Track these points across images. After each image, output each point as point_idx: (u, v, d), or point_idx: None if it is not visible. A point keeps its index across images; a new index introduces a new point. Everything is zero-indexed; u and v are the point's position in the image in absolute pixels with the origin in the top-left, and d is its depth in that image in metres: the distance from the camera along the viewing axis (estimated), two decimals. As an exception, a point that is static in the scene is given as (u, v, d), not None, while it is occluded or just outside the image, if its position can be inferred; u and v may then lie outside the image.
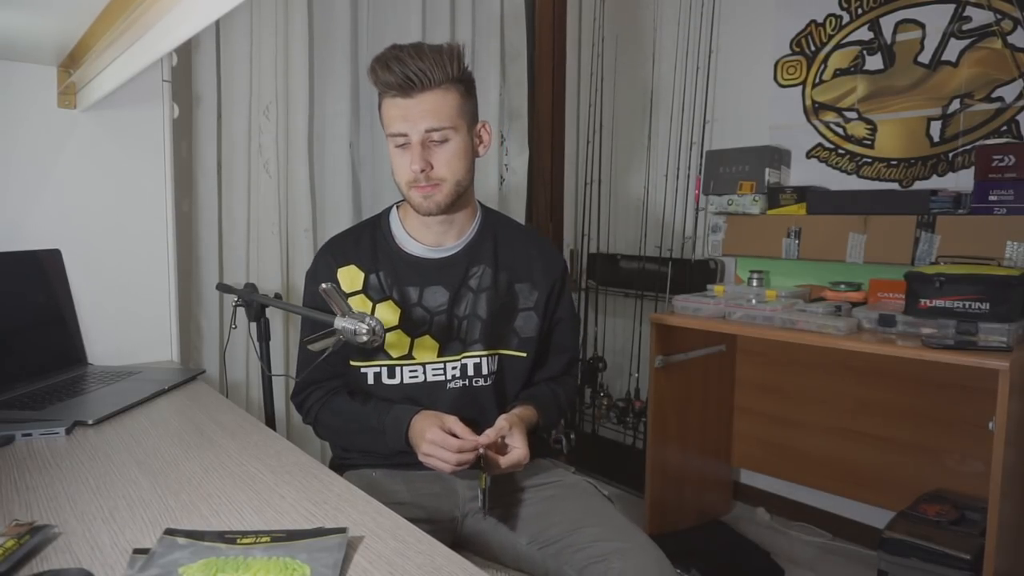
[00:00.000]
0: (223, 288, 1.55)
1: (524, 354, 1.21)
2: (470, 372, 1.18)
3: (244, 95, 1.89)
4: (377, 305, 1.17)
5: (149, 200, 1.55)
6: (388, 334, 1.16)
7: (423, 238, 1.20)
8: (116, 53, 1.07)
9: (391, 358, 1.17)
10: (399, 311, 1.17)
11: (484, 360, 1.18)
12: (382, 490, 1.12)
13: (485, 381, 1.18)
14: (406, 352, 1.17)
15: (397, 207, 1.26)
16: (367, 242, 1.22)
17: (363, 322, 1.03)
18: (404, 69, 1.05)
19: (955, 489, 1.87)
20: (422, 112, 1.07)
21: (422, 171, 1.08)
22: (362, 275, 1.18)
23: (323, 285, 1.07)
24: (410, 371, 1.17)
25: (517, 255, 1.23)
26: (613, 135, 2.73)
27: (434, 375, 1.17)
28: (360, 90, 2.15)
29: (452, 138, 1.10)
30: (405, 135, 1.08)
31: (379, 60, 1.08)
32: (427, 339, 1.17)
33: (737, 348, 2.34)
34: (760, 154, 2.19)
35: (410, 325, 1.17)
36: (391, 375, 1.17)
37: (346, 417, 1.18)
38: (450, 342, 1.18)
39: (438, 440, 1.03)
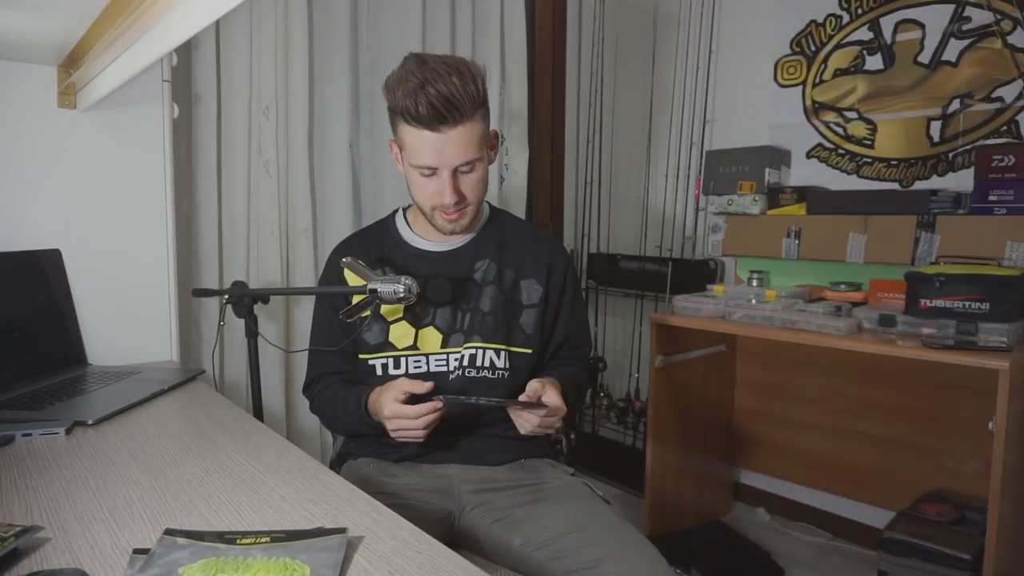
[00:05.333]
0: (200, 292, 1.55)
1: (529, 350, 1.22)
2: (477, 363, 1.18)
3: (244, 95, 1.90)
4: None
5: (149, 200, 1.55)
6: (393, 325, 1.19)
7: (429, 235, 1.23)
8: (116, 53, 1.07)
9: (397, 349, 1.19)
10: (401, 305, 1.18)
11: (490, 354, 1.18)
12: (377, 482, 1.13)
13: (493, 375, 1.19)
14: (411, 343, 1.19)
15: (404, 209, 1.30)
16: (373, 240, 1.27)
17: (399, 282, 1.10)
18: (433, 102, 1.02)
19: (955, 489, 1.87)
20: (454, 149, 1.07)
21: (456, 203, 1.11)
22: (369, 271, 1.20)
23: (344, 259, 1.18)
24: (414, 361, 1.18)
25: (523, 252, 1.25)
26: (613, 135, 2.73)
27: (437, 366, 1.19)
28: (360, 90, 2.15)
29: (478, 166, 1.12)
30: (435, 168, 1.09)
31: (402, 85, 1.05)
32: (431, 330, 1.19)
33: (737, 348, 2.34)
34: (760, 154, 2.19)
35: (414, 316, 1.19)
36: (396, 366, 1.19)
37: (335, 403, 1.20)
38: (453, 333, 1.19)
39: (396, 413, 1.05)
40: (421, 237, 1.24)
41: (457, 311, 1.20)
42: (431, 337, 1.19)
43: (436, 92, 1.02)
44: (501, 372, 1.19)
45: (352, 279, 1.23)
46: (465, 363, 1.18)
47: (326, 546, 0.67)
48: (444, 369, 1.19)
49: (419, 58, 1.07)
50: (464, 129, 1.06)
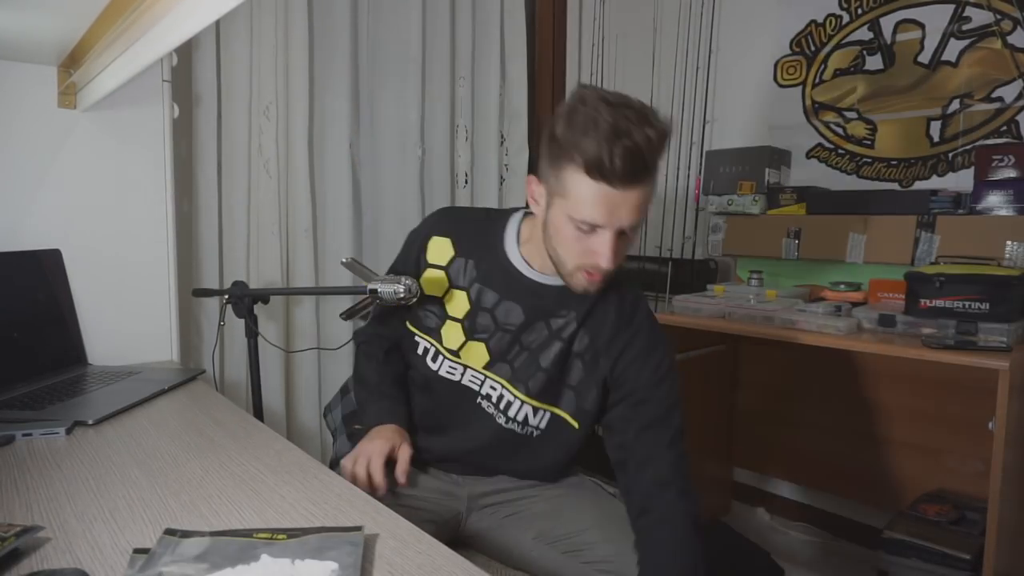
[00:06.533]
0: (200, 292, 1.55)
1: (576, 424, 1.09)
2: (511, 413, 1.09)
3: (244, 95, 1.90)
4: (452, 289, 1.11)
5: (149, 200, 1.55)
6: (449, 322, 1.11)
7: (531, 258, 1.08)
8: (116, 53, 1.07)
9: (442, 345, 1.11)
10: (468, 308, 1.10)
11: (526, 409, 1.08)
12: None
13: (523, 430, 1.10)
14: (455, 349, 1.11)
15: (525, 215, 1.12)
16: (478, 229, 1.13)
17: (399, 283, 1.07)
18: (627, 156, 0.87)
19: (955, 489, 1.87)
20: (628, 210, 0.91)
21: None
22: (452, 254, 1.12)
23: (343, 259, 1.16)
24: (450, 365, 1.11)
25: (614, 330, 1.07)
26: (613, 135, 2.72)
27: (470, 382, 1.10)
28: (360, 90, 2.15)
29: (638, 228, 0.97)
30: (599, 227, 0.93)
31: (589, 128, 0.87)
32: (480, 346, 1.09)
33: (737, 348, 2.34)
34: (760, 154, 2.19)
35: (472, 325, 1.10)
36: (435, 359, 1.12)
37: (366, 373, 1.17)
38: (500, 362, 1.09)
39: (362, 453, 1.01)
40: (525, 260, 1.08)
41: (515, 345, 1.08)
42: (477, 352, 1.09)
43: (632, 144, 0.86)
44: (532, 430, 1.10)
45: (434, 250, 1.13)
46: (497, 402, 1.09)
47: (343, 543, 0.67)
48: (475, 388, 1.10)
49: (602, 96, 0.90)
50: (645, 188, 0.92)
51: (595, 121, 0.87)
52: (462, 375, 1.10)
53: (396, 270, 1.17)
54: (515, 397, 1.08)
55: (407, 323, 1.15)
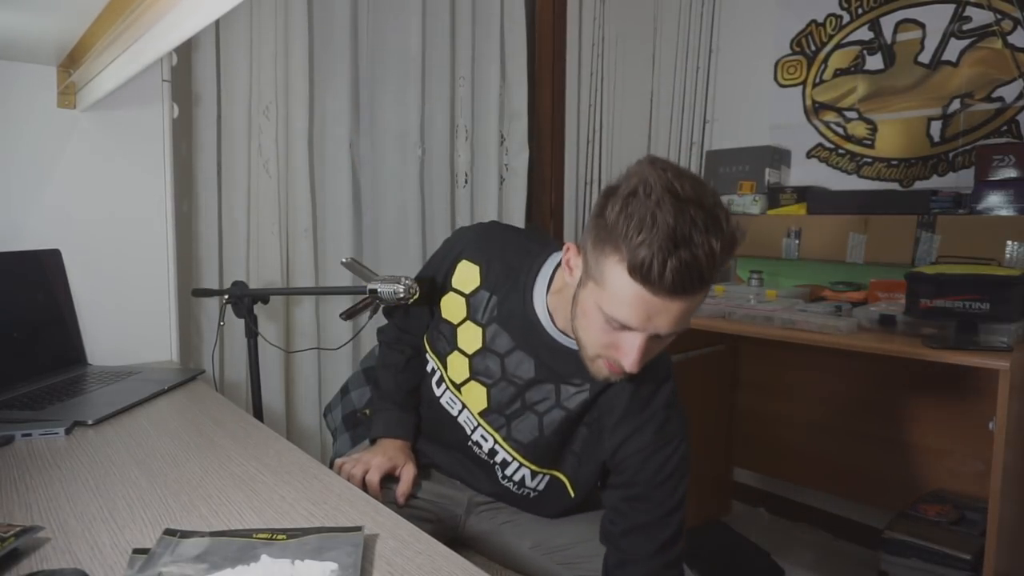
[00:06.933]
0: (200, 292, 1.55)
1: (573, 493, 1.03)
2: (508, 472, 1.04)
3: (244, 95, 1.90)
4: (468, 321, 1.03)
5: (149, 200, 1.55)
6: (458, 353, 1.04)
7: (556, 312, 0.96)
8: (116, 53, 1.07)
9: (446, 373, 1.07)
10: (480, 345, 1.02)
11: (525, 472, 1.03)
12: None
13: (519, 491, 1.06)
14: (457, 383, 1.05)
15: (557, 267, 0.98)
16: (511, 264, 1.02)
17: (398, 282, 1.07)
18: (681, 270, 0.73)
19: (955, 489, 1.87)
20: (667, 320, 0.79)
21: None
22: (477, 284, 1.03)
23: (343, 259, 1.16)
24: (451, 397, 1.06)
25: (624, 411, 0.96)
26: (613, 135, 2.72)
27: (464, 422, 1.06)
28: (360, 90, 2.15)
29: (676, 334, 0.84)
30: (631, 329, 0.81)
31: (645, 226, 0.73)
32: (481, 390, 1.02)
33: (737, 348, 2.34)
34: (760, 154, 2.19)
35: (480, 365, 1.02)
36: (438, 384, 1.08)
37: (383, 380, 1.17)
38: (496, 414, 1.02)
39: (363, 466, 1.02)
40: (549, 313, 0.97)
41: (519, 399, 1.00)
42: (477, 395, 1.02)
43: (691, 257, 0.73)
44: (528, 491, 1.05)
45: (461, 275, 1.06)
46: (490, 455, 1.04)
47: (343, 543, 0.67)
48: (467, 431, 1.06)
49: (670, 186, 0.75)
50: (694, 299, 0.78)
51: (654, 218, 0.73)
52: (459, 412, 1.06)
53: (422, 276, 1.12)
54: (512, 458, 1.02)
55: (424, 336, 1.11)
